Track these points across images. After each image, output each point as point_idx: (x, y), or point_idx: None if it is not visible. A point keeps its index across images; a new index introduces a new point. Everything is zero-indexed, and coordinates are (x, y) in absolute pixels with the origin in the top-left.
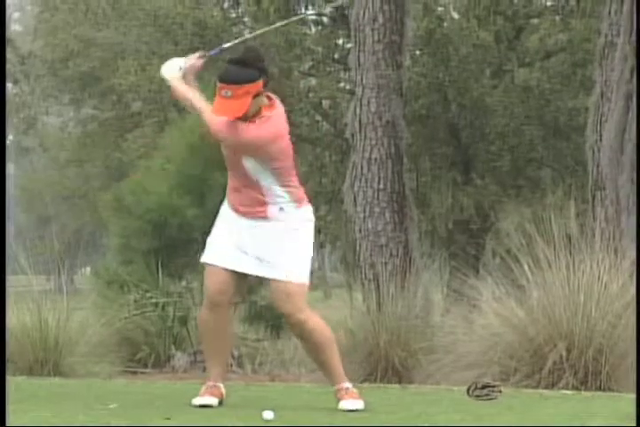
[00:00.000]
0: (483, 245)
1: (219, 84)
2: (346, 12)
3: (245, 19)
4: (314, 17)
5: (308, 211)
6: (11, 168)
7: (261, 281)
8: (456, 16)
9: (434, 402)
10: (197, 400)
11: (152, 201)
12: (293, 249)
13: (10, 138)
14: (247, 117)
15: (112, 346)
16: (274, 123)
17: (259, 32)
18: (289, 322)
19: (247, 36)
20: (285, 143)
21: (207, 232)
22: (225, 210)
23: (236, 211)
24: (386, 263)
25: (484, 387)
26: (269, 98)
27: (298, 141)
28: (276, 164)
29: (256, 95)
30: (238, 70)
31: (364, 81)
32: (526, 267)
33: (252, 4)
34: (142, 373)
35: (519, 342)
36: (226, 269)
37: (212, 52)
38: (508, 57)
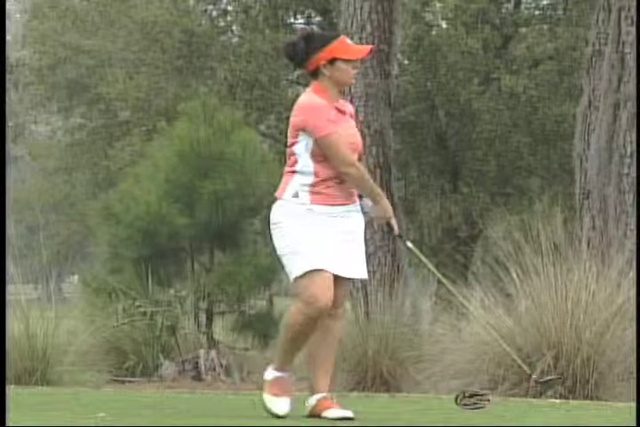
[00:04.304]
0: (471, 253)
1: (342, 36)
2: (334, 20)
3: (234, 27)
4: (302, 25)
5: None
6: None
7: (252, 290)
8: (444, 24)
9: (422, 411)
10: (331, 414)
11: (141, 209)
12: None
13: None
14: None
15: (100, 355)
16: None
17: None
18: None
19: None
20: None
21: (196, 240)
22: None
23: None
24: (374, 272)
25: (472, 396)
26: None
27: (286, 150)
28: None
29: None
30: None
31: (352, 90)
32: (514, 275)
33: (240, 13)
34: (130, 382)
35: (507, 351)
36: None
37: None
38: (495, 65)
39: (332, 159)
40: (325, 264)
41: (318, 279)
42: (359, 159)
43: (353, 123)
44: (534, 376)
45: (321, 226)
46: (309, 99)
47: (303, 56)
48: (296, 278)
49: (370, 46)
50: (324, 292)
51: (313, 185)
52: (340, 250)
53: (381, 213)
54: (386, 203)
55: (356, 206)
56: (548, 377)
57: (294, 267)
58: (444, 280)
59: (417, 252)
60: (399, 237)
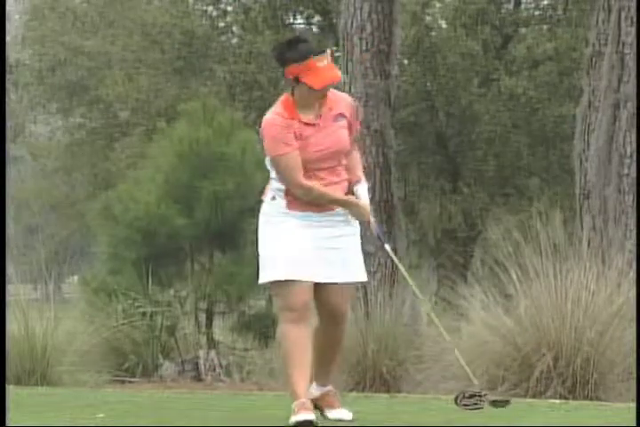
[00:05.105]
0: (471, 253)
1: (315, 57)
2: (334, 20)
3: (233, 28)
4: (302, 26)
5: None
6: None
7: (252, 290)
8: (444, 25)
9: (422, 411)
10: (295, 418)
11: (140, 210)
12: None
13: None
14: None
15: (100, 355)
16: None
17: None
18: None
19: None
20: None
21: (195, 241)
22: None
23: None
24: (374, 272)
25: (471, 396)
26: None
27: None
28: None
29: None
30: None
31: (352, 90)
32: (514, 276)
33: (239, 14)
34: (130, 382)
35: (507, 351)
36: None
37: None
38: (495, 66)
39: (281, 179)
40: (294, 274)
41: (291, 287)
42: (346, 157)
43: (340, 122)
44: (485, 394)
45: (296, 232)
46: (269, 115)
47: (281, 61)
48: (268, 284)
49: (338, 76)
50: (297, 298)
51: (287, 191)
52: (316, 256)
53: (357, 219)
54: (358, 209)
55: (344, 212)
56: (500, 397)
57: (261, 273)
58: (413, 283)
59: (392, 255)
60: (378, 239)
